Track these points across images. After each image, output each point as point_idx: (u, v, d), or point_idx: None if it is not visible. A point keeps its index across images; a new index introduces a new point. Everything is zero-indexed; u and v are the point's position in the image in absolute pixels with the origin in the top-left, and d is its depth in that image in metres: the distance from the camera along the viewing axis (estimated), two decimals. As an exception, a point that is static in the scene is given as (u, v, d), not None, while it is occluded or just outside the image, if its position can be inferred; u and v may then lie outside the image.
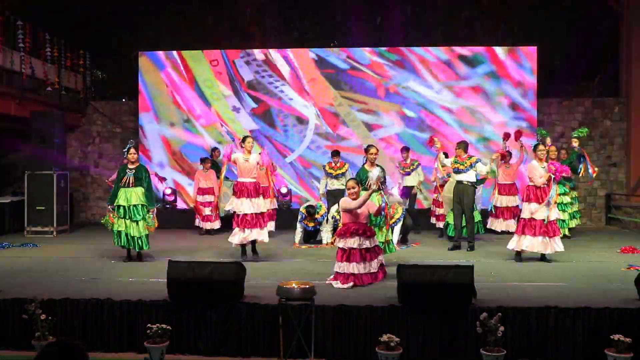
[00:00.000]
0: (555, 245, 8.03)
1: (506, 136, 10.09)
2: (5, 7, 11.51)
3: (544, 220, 7.92)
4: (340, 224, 9.41)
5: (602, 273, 7.40)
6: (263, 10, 14.57)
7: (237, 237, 8.21)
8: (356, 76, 12.93)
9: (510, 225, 10.36)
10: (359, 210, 6.75)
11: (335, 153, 10.85)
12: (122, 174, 8.31)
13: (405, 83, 12.85)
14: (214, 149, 11.94)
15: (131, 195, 8.21)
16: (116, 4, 14.48)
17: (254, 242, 8.35)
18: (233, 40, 14.41)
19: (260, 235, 8.25)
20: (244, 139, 8.47)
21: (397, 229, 9.16)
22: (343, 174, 10.60)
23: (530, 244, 8.03)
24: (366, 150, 8.08)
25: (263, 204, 8.37)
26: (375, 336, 5.42)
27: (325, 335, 5.61)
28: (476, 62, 12.82)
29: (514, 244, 8.21)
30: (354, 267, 6.64)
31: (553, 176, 7.99)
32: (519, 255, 8.25)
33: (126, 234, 8.17)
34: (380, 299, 5.92)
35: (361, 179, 7.44)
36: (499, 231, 10.72)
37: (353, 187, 6.87)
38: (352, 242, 6.68)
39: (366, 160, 7.99)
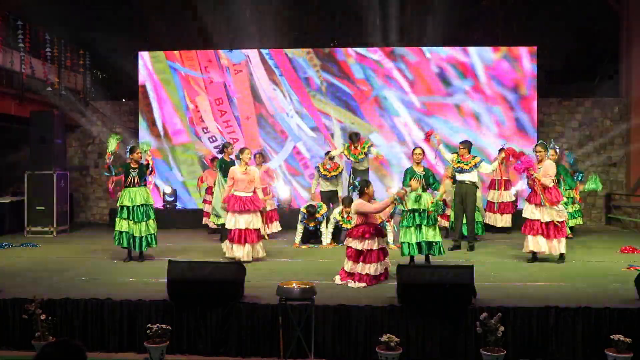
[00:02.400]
0: (555, 246, 7.92)
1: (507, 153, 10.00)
2: (5, 7, 11.52)
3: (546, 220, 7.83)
4: (344, 225, 9.47)
5: (602, 273, 7.40)
6: (263, 10, 14.56)
7: (230, 252, 8.13)
8: (345, 84, 12.93)
9: (504, 219, 10.74)
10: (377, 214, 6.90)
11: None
12: (127, 174, 8.27)
13: (398, 87, 12.83)
14: (227, 145, 10.02)
15: (135, 195, 8.16)
16: (116, 4, 14.50)
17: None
18: (233, 40, 14.42)
19: (256, 253, 8.17)
20: (242, 151, 8.34)
21: (389, 227, 9.28)
22: (336, 176, 10.54)
23: (536, 243, 7.92)
24: (412, 152, 8.16)
25: (258, 220, 8.22)
26: (375, 336, 5.43)
27: (325, 335, 5.61)
28: (475, 62, 12.81)
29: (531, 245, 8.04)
30: (370, 268, 6.68)
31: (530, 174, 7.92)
32: (534, 255, 8.12)
33: (129, 235, 8.15)
34: (380, 299, 5.92)
35: (405, 179, 7.83)
36: (495, 225, 10.80)
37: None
38: (371, 244, 6.71)
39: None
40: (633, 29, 13.19)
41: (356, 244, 6.75)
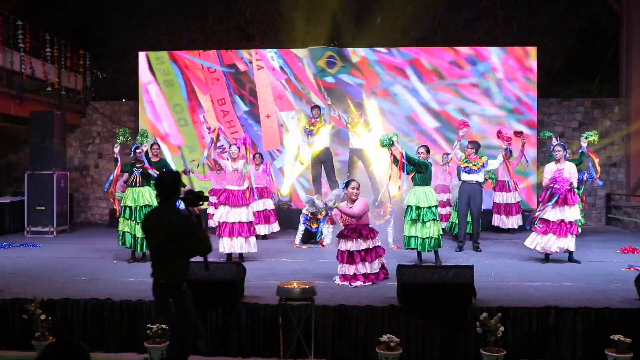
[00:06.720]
0: (565, 243, 7.87)
1: (500, 134, 9.96)
2: (5, 7, 11.53)
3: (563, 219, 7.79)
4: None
5: (602, 273, 7.40)
6: (263, 10, 14.56)
7: (221, 246, 8.07)
8: (349, 81, 12.90)
9: (505, 221, 10.79)
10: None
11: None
12: (130, 173, 8.24)
13: (398, 86, 12.80)
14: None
15: (139, 196, 8.17)
16: (116, 3, 14.50)
17: (240, 254, 8.18)
18: (233, 40, 14.42)
19: (247, 247, 8.11)
20: (229, 147, 8.43)
21: (391, 227, 9.31)
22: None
23: (546, 242, 7.87)
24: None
25: (248, 214, 8.18)
26: (375, 336, 5.43)
27: (325, 335, 5.61)
28: (475, 62, 12.80)
29: (532, 242, 8.03)
30: (354, 269, 6.69)
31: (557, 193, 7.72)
32: (547, 257, 8.08)
33: (131, 235, 8.14)
34: (380, 299, 5.93)
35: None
36: (496, 225, 10.80)
37: (357, 188, 6.93)
38: (351, 245, 6.71)
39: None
40: (633, 29, 13.19)
41: (343, 245, 6.77)
